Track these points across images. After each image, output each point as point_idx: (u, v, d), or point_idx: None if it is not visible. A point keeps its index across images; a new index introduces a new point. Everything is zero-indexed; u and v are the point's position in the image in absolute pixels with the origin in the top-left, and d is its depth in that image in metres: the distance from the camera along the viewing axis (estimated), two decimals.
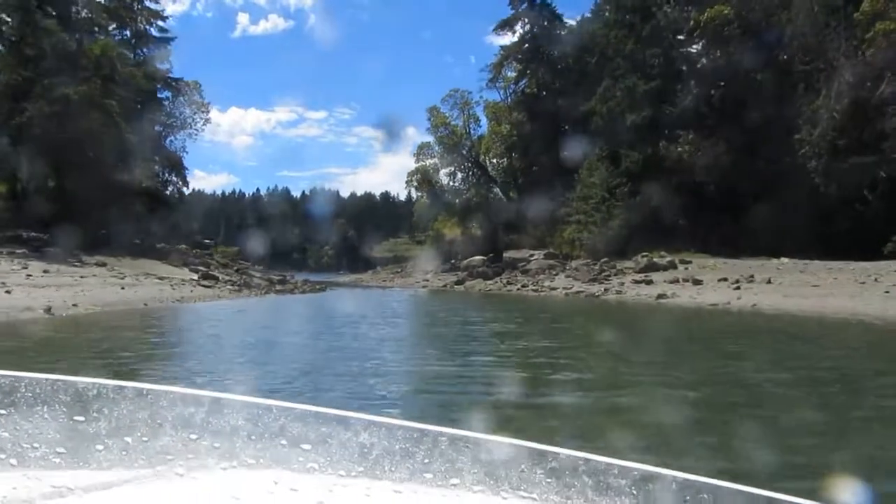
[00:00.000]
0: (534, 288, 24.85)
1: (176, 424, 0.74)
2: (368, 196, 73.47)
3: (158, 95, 33.83)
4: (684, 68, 27.58)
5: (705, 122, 25.76)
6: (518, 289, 25.45)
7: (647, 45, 27.05)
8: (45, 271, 16.33)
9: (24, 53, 22.42)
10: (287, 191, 72.33)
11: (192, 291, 19.20)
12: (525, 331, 11.29)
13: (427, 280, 32.38)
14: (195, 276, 22.70)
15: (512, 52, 34.86)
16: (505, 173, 37.13)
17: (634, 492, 0.66)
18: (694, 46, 27.94)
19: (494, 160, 37.92)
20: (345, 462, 0.70)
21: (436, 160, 38.41)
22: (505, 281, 27.47)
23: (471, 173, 38.05)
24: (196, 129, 35.71)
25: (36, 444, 0.71)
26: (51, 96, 21.83)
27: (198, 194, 57.01)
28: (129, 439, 0.73)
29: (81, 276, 17.07)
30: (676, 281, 20.06)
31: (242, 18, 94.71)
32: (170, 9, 75.91)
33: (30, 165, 21.47)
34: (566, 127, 31.27)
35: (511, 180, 36.45)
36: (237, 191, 76.23)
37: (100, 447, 0.72)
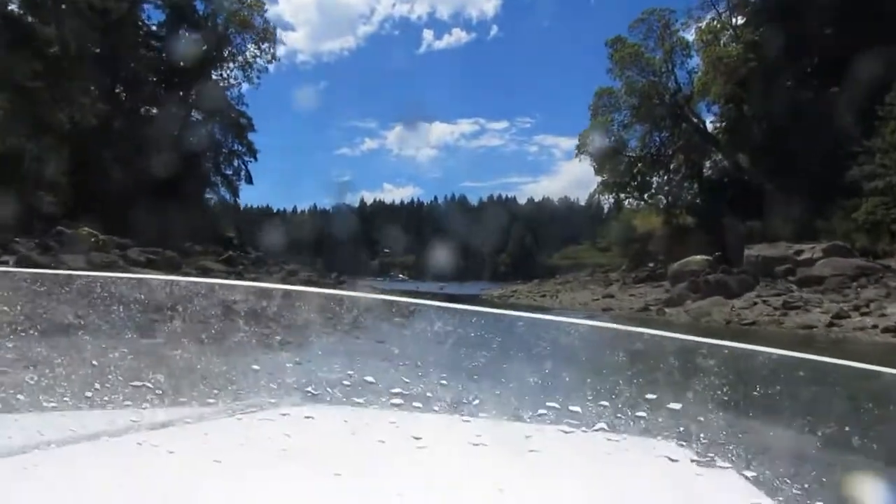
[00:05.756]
0: (864, 324, 18.77)
1: (248, 318, 1.05)
2: (547, 202, 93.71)
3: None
4: None
5: None
6: (827, 325, 19.61)
7: None
8: None
9: None
10: (464, 198, 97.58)
11: None
12: None
13: (611, 297, 32.87)
14: None
15: None
16: (732, 128, 36.33)
17: (724, 370, 0.98)
18: None
19: (714, 110, 37.29)
20: (420, 351, 1.03)
21: (622, 114, 38.94)
22: (779, 302, 22.34)
23: (676, 131, 38.05)
24: (258, 69, 36.08)
25: (114, 344, 1.00)
26: None
27: (379, 204, 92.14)
28: (204, 336, 1.02)
29: None
30: None
31: (427, 35, 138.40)
32: (360, 30, 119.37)
33: None
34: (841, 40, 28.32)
35: (742, 136, 35.50)
36: (415, 200, 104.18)
37: (176, 349, 1.01)
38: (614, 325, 1.16)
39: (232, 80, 37.32)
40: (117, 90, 33.74)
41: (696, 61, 37.26)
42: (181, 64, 34.40)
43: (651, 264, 34.32)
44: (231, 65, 36.95)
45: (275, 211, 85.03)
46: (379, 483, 1.03)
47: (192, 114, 36.74)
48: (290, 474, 1.04)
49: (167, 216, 26.47)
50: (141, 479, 0.98)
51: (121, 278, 1.21)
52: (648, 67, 37.68)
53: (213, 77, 36.51)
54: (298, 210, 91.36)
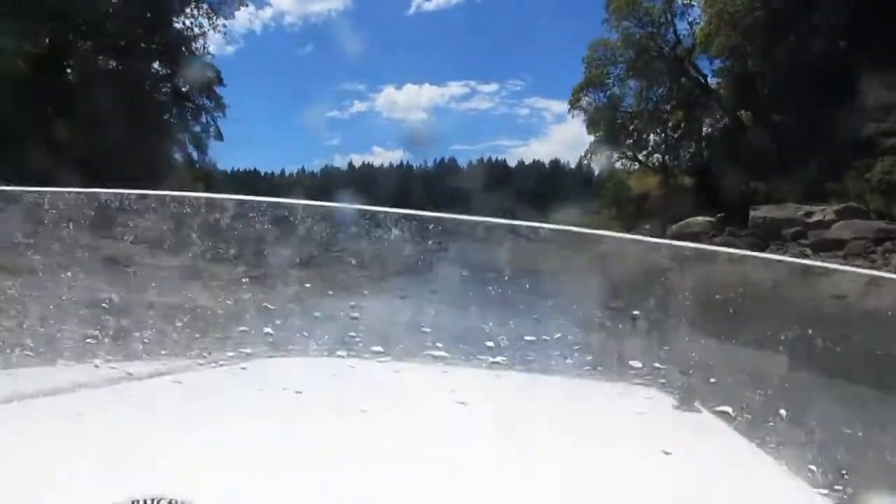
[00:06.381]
0: None
1: (202, 233, 1.12)
2: (537, 165, 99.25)
3: None
4: None
5: None
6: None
7: None
8: None
9: None
10: (454, 161, 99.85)
11: None
12: None
13: None
14: None
15: None
16: (735, 84, 36.27)
17: (685, 273, 1.20)
18: None
19: (716, 64, 37.14)
20: (379, 260, 1.13)
21: (618, 68, 38.73)
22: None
23: (675, 86, 37.95)
24: (224, 16, 35.41)
25: (67, 258, 1.08)
26: None
27: (368, 167, 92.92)
28: (157, 252, 1.12)
29: None
30: None
31: None
32: None
33: None
34: None
35: (745, 92, 35.59)
36: (404, 163, 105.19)
37: (130, 267, 1.14)
38: (574, 229, 1.22)
39: (197, 30, 36.58)
40: (70, 37, 33.01)
41: (697, 12, 36.98)
42: (141, 11, 33.72)
43: (647, 226, 34.43)
44: (196, 12, 36.21)
45: (262, 174, 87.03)
46: (343, 405, 1.08)
47: (155, 65, 36.10)
48: (248, 392, 1.09)
49: (123, 175, 26.04)
50: (101, 401, 1.03)
51: (69, 193, 1.23)
52: (647, 18, 37.34)
53: (177, 25, 35.74)
54: (287, 173, 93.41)
